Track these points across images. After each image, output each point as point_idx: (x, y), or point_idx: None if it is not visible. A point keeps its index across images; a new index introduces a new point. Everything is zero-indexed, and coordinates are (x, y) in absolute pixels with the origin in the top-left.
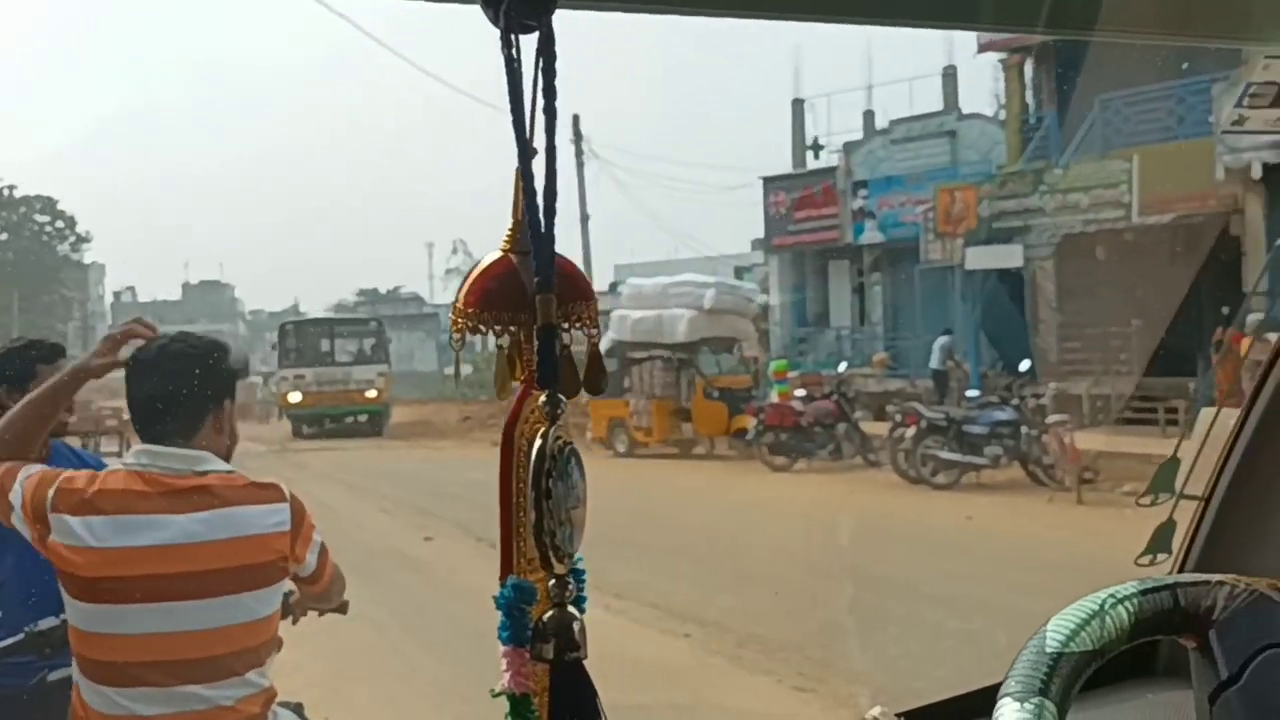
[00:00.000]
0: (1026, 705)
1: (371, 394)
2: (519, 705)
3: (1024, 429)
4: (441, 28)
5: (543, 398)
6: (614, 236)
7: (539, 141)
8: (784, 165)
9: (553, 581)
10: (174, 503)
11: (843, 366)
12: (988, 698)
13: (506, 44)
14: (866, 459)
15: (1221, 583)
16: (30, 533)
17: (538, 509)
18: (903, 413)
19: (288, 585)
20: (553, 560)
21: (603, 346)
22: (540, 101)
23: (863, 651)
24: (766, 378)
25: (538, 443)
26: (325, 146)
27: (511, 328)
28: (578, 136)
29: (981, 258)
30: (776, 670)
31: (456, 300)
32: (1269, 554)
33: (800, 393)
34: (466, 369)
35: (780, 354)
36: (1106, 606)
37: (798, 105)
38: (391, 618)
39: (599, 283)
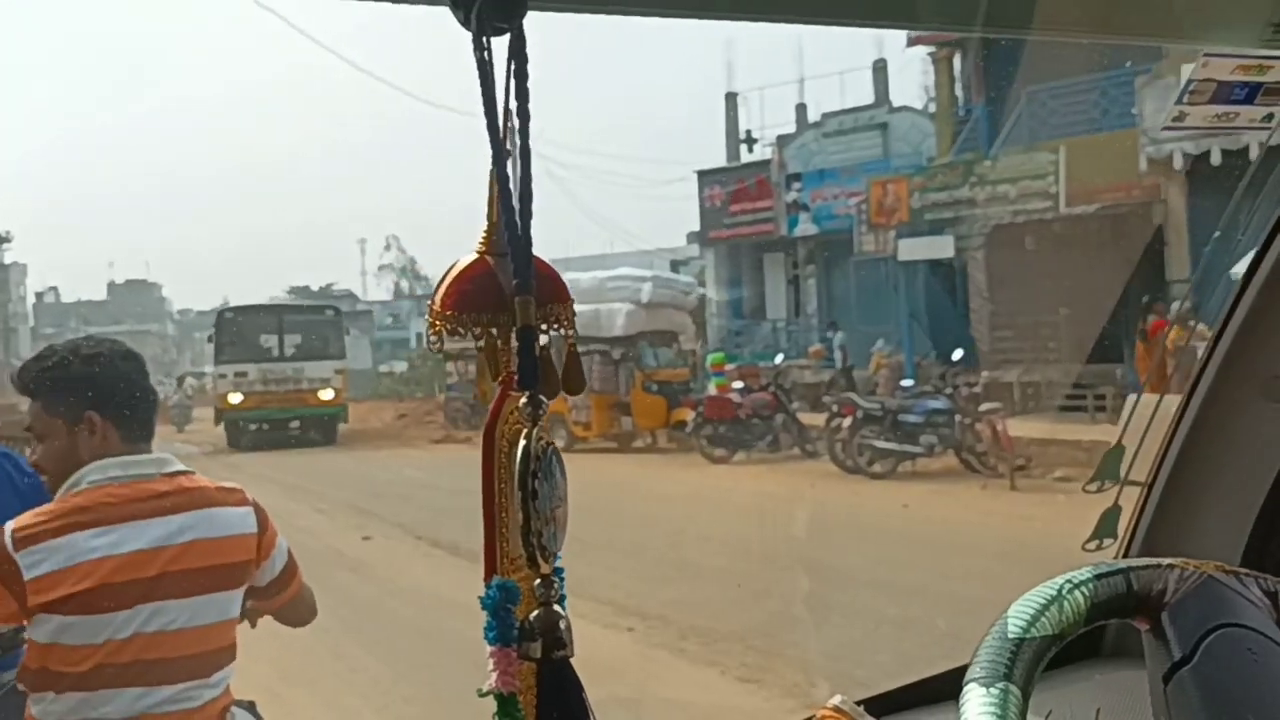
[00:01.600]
0: (992, 690)
1: (326, 394)
2: (507, 704)
3: (958, 417)
4: (377, 23)
5: (523, 399)
6: (549, 230)
7: (512, 144)
8: (719, 159)
9: (538, 581)
10: (149, 506)
11: (779, 358)
12: (944, 684)
13: (478, 47)
14: (804, 449)
15: (1172, 566)
16: (12, 609)
17: (525, 510)
18: (839, 403)
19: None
20: (539, 560)
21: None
22: (514, 104)
23: (806, 640)
24: (704, 371)
25: (521, 443)
26: (254, 143)
27: (492, 330)
28: (510, 132)
29: (914, 249)
30: (720, 661)
31: (432, 303)
32: (1210, 536)
33: (738, 385)
34: (401, 366)
35: (718, 347)
36: (1064, 592)
37: (731, 99)
38: (331, 618)
39: None
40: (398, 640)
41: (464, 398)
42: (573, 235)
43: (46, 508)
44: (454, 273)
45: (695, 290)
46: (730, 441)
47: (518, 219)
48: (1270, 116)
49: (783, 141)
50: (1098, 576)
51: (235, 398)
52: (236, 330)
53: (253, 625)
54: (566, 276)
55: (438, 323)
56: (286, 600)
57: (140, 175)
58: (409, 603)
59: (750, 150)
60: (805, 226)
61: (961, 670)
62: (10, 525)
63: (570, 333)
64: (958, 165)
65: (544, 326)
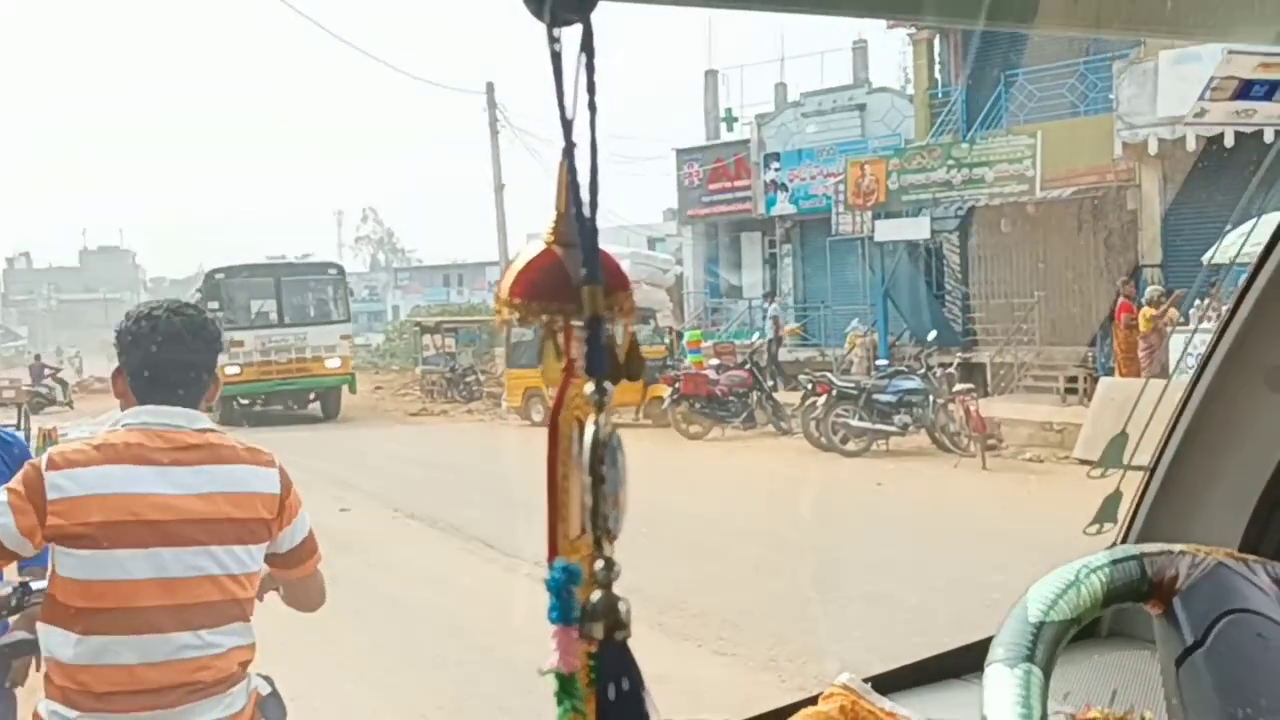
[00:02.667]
0: (1016, 671)
1: (333, 363)
2: (567, 684)
3: (931, 397)
4: None
5: (589, 386)
6: (528, 205)
7: (581, 137)
8: (698, 136)
9: (600, 564)
10: (177, 455)
11: (756, 336)
12: (946, 663)
13: (551, 39)
14: (779, 427)
15: (1184, 553)
16: (32, 523)
17: (595, 495)
18: (815, 382)
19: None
20: (604, 543)
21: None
22: (584, 97)
23: (781, 615)
24: (681, 348)
25: (589, 429)
26: (229, 111)
27: (559, 318)
28: (491, 105)
29: (890, 230)
30: (697, 635)
31: (499, 290)
32: (1210, 522)
33: (714, 362)
34: (377, 339)
35: (694, 324)
36: (1081, 576)
37: (710, 76)
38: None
39: (513, 251)
40: (374, 610)
41: (440, 371)
42: (550, 210)
43: (87, 440)
44: (522, 260)
45: (672, 267)
46: (706, 418)
47: (586, 210)
48: None
49: (762, 120)
50: (1113, 562)
51: (231, 370)
52: (228, 293)
53: (260, 598)
54: None
55: (505, 310)
56: (304, 574)
57: (114, 141)
58: (386, 574)
59: (729, 129)
60: (783, 206)
61: (964, 650)
62: (51, 449)
63: (630, 320)
64: (935, 147)
65: (609, 314)
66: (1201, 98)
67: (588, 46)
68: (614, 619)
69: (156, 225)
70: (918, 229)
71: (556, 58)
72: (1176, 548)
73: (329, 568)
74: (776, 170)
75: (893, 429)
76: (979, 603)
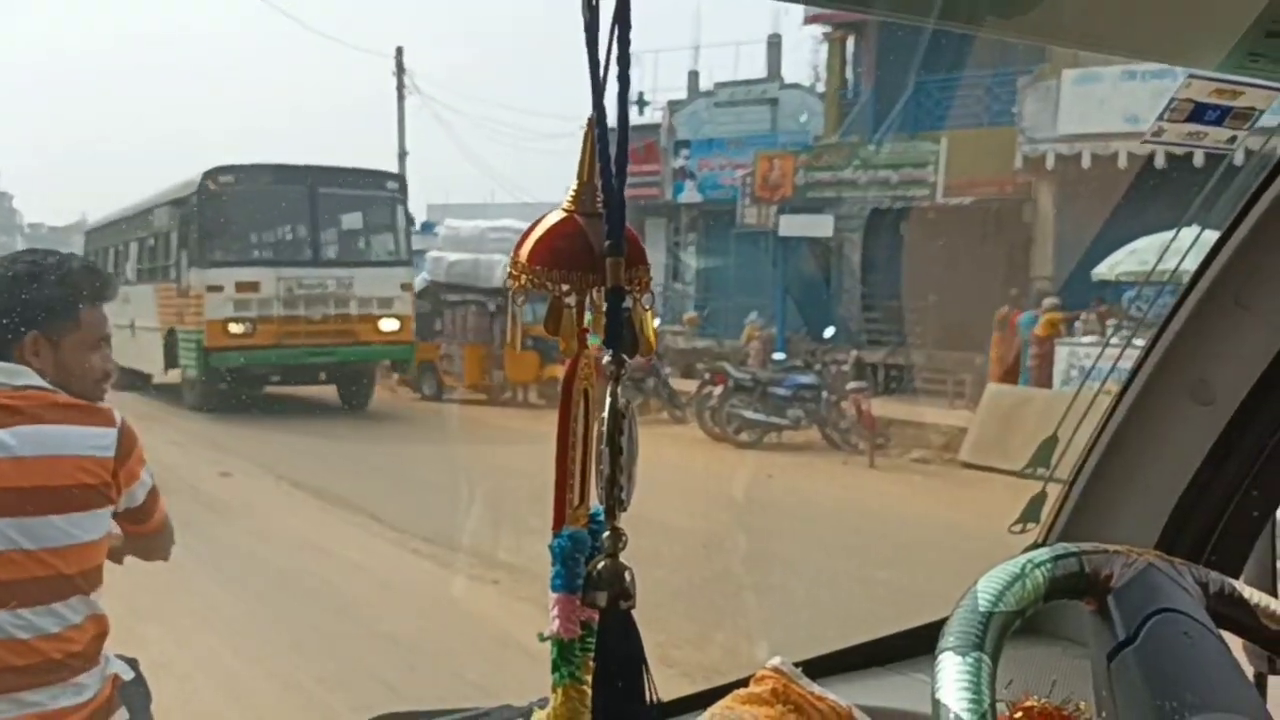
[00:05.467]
0: (967, 659)
1: (389, 325)
2: (567, 650)
3: (825, 394)
4: None
5: (606, 356)
6: (431, 174)
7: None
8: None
9: (608, 533)
10: None
11: (655, 322)
12: (874, 650)
13: (588, 8)
14: (674, 414)
15: (1118, 552)
16: None
17: (612, 465)
18: (711, 371)
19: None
20: (615, 512)
21: (416, 287)
22: (614, 69)
23: (670, 602)
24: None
25: (608, 400)
26: (119, 49)
27: (576, 287)
28: (400, 69)
29: (794, 225)
30: None
31: (517, 254)
32: (1128, 525)
33: None
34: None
35: None
36: (1026, 570)
37: None
38: (186, 554)
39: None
40: (255, 578)
41: None
42: (453, 181)
43: None
44: (542, 228)
45: None
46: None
47: (614, 182)
48: (1233, 139)
49: (674, 106)
50: (1055, 558)
51: (236, 328)
52: (236, 209)
53: (119, 562)
54: (447, 222)
55: (523, 276)
56: (143, 532)
57: None
58: (267, 541)
59: (640, 112)
60: (690, 194)
61: (894, 639)
62: None
63: (647, 295)
64: (843, 147)
65: (628, 288)
66: (1160, 117)
67: (622, 19)
68: (620, 587)
69: (36, 168)
70: (821, 226)
71: (592, 26)
72: (1112, 547)
73: (209, 534)
74: (686, 158)
75: (786, 423)
76: (867, 597)
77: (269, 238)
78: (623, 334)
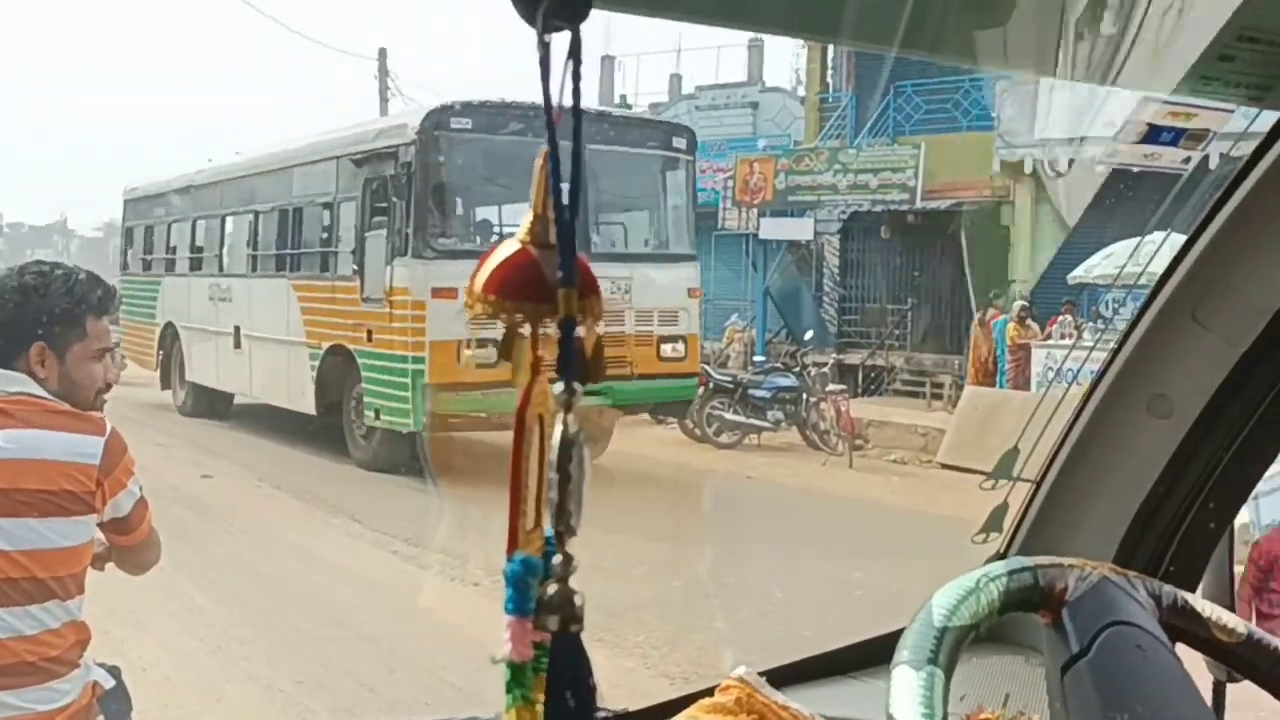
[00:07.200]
0: (920, 673)
1: (674, 349)
2: (519, 673)
3: (804, 396)
4: None
5: (559, 386)
6: None
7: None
8: None
9: (558, 559)
10: None
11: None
12: (839, 660)
13: (542, 45)
14: (654, 416)
15: (1072, 566)
16: None
17: (561, 493)
18: None
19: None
20: (565, 539)
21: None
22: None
23: (650, 603)
24: None
25: (558, 428)
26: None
27: (529, 317)
28: (383, 72)
29: (775, 229)
30: None
31: (472, 285)
32: (1088, 536)
33: None
34: None
35: None
36: (981, 584)
37: (607, 61)
38: (166, 557)
39: None
40: (234, 579)
41: None
42: None
43: None
44: (497, 258)
45: None
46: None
47: (567, 215)
48: (1188, 160)
49: (656, 110)
50: (1010, 572)
51: (479, 353)
52: (474, 171)
53: (99, 568)
54: None
55: (478, 305)
56: (128, 543)
57: None
58: (248, 544)
59: None
60: None
61: (858, 648)
62: None
63: (597, 324)
64: (823, 150)
65: (580, 317)
66: (1115, 139)
67: (575, 55)
68: (570, 612)
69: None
70: (801, 230)
71: (545, 63)
72: (1066, 561)
73: (190, 536)
74: None
75: (766, 424)
76: (842, 598)
77: (518, 216)
78: (574, 363)
